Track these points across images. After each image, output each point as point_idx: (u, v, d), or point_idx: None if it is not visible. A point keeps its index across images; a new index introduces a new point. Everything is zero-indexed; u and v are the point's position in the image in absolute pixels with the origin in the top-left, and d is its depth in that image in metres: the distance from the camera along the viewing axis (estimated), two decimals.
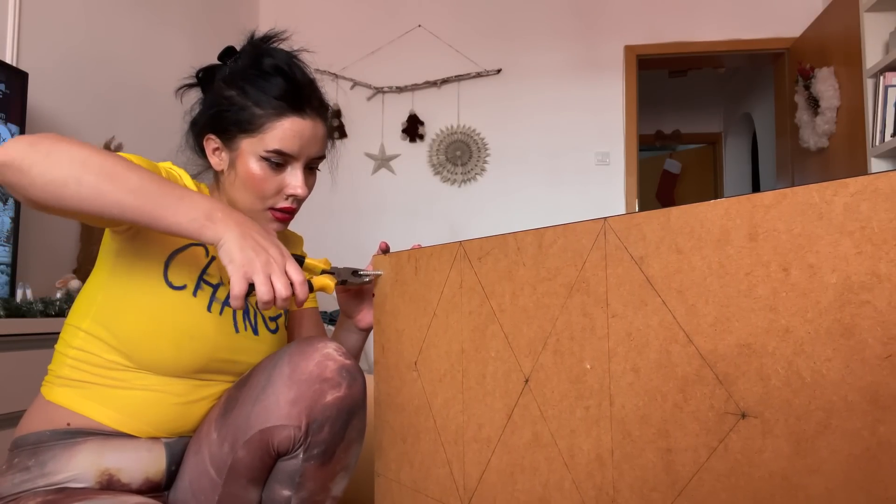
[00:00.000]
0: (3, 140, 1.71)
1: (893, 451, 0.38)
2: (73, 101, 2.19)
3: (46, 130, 2.05)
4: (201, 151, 0.88)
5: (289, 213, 0.85)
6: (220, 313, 0.83)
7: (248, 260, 0.66)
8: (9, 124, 1.72)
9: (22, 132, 1.76)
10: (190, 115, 0.89)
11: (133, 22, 2.53)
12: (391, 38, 3.37)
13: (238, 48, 0.88)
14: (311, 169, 0.87)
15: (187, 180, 0.85)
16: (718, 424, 0.47)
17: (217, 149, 0.85)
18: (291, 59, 0.84)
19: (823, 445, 0.41)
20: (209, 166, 0.89)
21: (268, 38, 0.87)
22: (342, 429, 0.77)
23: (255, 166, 0.81)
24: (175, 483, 0.81)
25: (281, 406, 0.74)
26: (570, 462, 0.58)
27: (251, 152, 0.81)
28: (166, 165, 0.84)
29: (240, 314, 0.86)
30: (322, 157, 0.87)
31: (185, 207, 0.67)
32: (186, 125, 0.90)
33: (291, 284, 0.69)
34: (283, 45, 0.87)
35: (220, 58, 0.88)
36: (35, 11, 2.04)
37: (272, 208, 0.84)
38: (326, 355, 0.77)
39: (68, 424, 0.77)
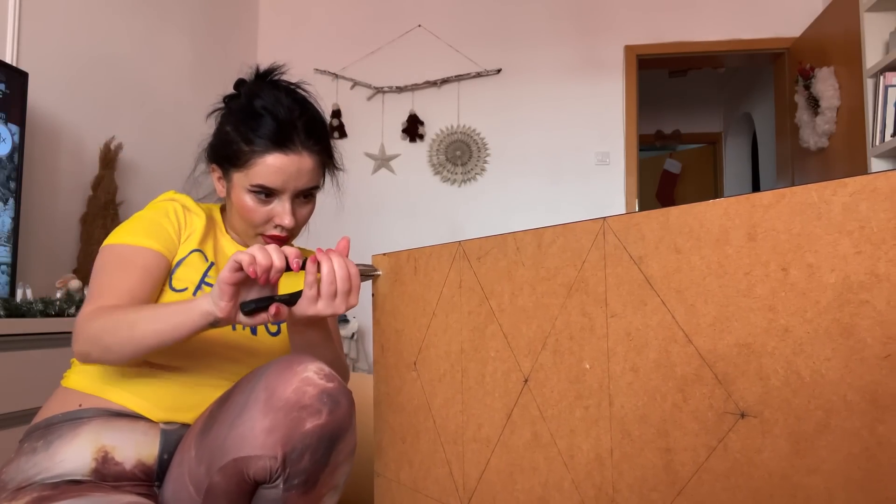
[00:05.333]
0: (3, 139, 1.71)
1: (892, 450, 0.38)
2: (73, 101, 2.19)
3: (46, 130, 2.06)
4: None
5: (280, 241, 0.89)
6: None
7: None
8: (9, 124, 1.72)
9: (22, 132, 1.77)
10: (206, 141, 0.95)
11: (133, 22, 2.53)
12: (391, 38, 3.37)
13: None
14: (305, 197, 0.90)
15: (189, 202, 0.92)
16: (718, 424, 0.47)
17: (219, 178, 0.92)
18: (279, 97, 0.87)
19: (823, 445, 0.41)
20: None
21: (267, 73, 0.92)
22: (325, 455, 0.73)
23: (244, 198, 0.87)
24: (163, 484, 0.82)
25: (256, 435, 0.71)
26: (570, 462, 0.58)
27: (240, 185, 0.87)
28: (168, 196, 0.92)
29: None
30: (314, 187, 0.90)
31: (184, 309, 0.73)
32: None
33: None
34: (287, 76, 0.93)
35: (234, 87, 0.94)
36: (35, 11, 2.04)
37: (262, 234, 0.89)
38: (305, 380, 0.72)
39: (80, 405, 0.82)
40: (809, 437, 0.42)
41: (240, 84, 0.93)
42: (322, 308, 0.74)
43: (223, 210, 0.98)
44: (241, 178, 0.86)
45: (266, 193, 0.86)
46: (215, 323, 0.72)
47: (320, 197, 0.94)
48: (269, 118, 0.85)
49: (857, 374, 0.40)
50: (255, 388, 0.74)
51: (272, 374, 0.74)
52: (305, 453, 0.71)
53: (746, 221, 0.45)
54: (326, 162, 0.92)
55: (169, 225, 0.87)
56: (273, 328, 0.92)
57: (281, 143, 0.85)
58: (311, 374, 0.73)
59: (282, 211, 0.87)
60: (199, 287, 0.86)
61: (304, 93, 0.91)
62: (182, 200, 0.92)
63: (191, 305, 0.72)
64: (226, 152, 0.88)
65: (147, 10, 2.61)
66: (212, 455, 0.75)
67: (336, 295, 0.75)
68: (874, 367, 0.39)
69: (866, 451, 0.39)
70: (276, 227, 0.88)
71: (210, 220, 0.93)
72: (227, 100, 0.94)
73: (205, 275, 0.87)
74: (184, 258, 0.87)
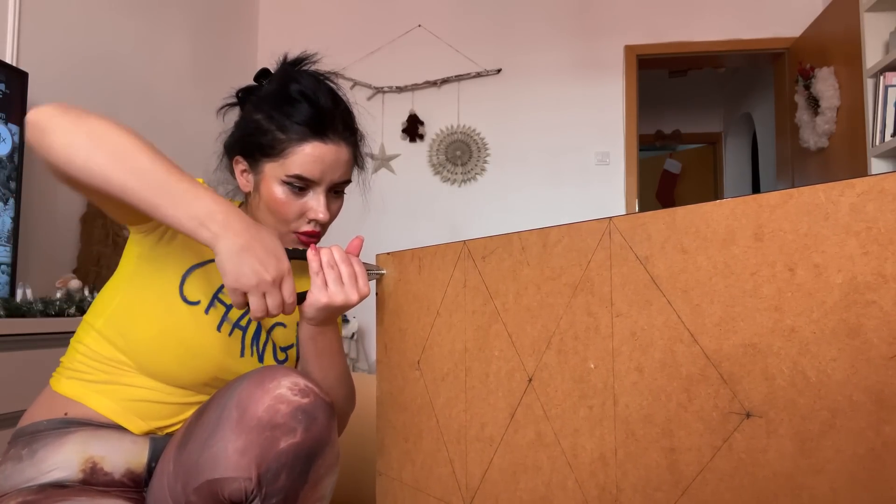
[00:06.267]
0: (3, 139, 1.71)
1: None
2: (73, 101, 2.18)
3: None
4: (232, 172, 0.89)
5: (312, 237, 0.84)
6: (230, 334, 0.83)
7: (241, 275, 0.67)
8: (9, 124, 1.72)
9: (22, 132, 1.76)
10: (225, 134, 0.90)
11: (133, 22, 2.53)
12: (391, 38, 3.37)
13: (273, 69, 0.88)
14: (336, 193, 0.86)
15: None
16: (723, 424, 0.47)
17: (244, 171, 0.86)
18: (318, 83, 0.83)
19: (828, 445, 0.41)
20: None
21: (298, 62, 0.87)
22: (303, 473, 0.70)
23: (277, 190, 0.81)
24: (147, 492, 0.81)
25: (229, 456, 0.68)
26: (574, 461, 0.58)
27: (273, 176, 0.81)
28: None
29: (249, 338, 0.85)
30: (347, 182, 0.86)
31: (187, 202, 0.66)
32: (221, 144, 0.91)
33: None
34: (316, 67, 0.87)
35: (255, 79, 0.89)
36: (35, 11, 2.04)
37: (295, 231, 0.84)
38: (278, 397, 0.69)
39: (66, 414, 0.79)
40: (815, 438, 0.42)
41: (263, 74, 0.88)
42: (334, 293, 0.75)
43: (245, 207, 0.91)
44: (274, 169, 0.81)
45: (301, 186, 0.81)
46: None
47: None
48: (306, 104, 0.80)
49: (863, 374, 0.40)
50: (226, 406, 0.71)
51: (244, 391, 0.71)
52: (281, 473, 0.68)
53: (753, 222, 0.45)
54: (357, 156, 0.88)
55: None
56: (281, 356, 0.89)
57: (321, 131, 0.80)
58: (283, 391, 0.70)
59: (317, 205, 0.82)
60: (211, 304, 0.82)
61: (333, 84, 0.87)
62: None
63: (198, 217, 0.66)
64: (257, 141, 0.82)
65: (147, 10, 2.61)
66: (187, 474, 0.72)
67: (342, 280, 0.76)
68: (880, 367, 0.39)
69: (872, 452, 0.39)
70: (309, 222, 0.83)
71: None
72: (245, 92, 0.89)
73: (219, 290, 0.83)
74: (200, 265, 0.82)
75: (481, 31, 3.32)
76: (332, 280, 0.75)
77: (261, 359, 0.86)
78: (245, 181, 0.86)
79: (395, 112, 3.35)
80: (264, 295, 0.68)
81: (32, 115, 0.68)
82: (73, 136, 0.67)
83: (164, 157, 0.69)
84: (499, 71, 3.28)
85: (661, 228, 0.51)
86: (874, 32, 2.37)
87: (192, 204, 0.67)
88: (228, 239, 0.67)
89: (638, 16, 3.20)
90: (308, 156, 0.80)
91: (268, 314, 0.69)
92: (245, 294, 0.68)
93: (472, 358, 0.72)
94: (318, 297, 0.75)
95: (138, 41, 2.56)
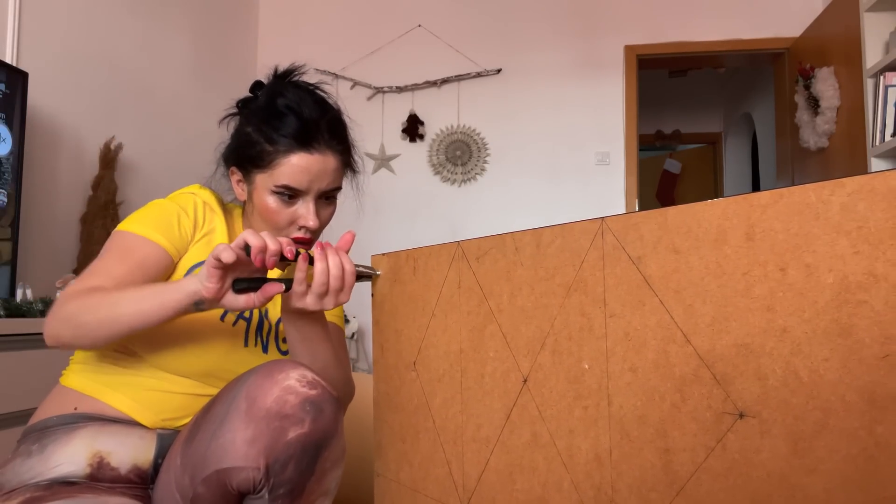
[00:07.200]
0: (4, 139, 1.71)
1: (891, 450, 0.38)
2: (73, 101, 2.19)
3: (46, 130, 2.06)
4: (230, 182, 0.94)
5: (303, 243, 0.87)
6: (234, 324, 0.86)
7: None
8: (9, 124, 1.73)
9: (22, 132, 1.77)
10: (223, 145, 0.93)
11: (133, 22, 2.53)
12: (391, 38, 3.37)
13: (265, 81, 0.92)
14: (327, 199, 0.89)
15: (211, 200, 0.90)
16: (716, 424, 0.47)
17: (239, 181, 0.91)
18: (304, 95, 0.86)
19: (821, 445, 0.41)
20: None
21: (286, 74, 0.91)
22: (311, 464, 0.71)
23: (268, 200, 0.85)
24: (154, 488, 0.81)
25: (237, 446, 0.69)
26: (569, 462, 0.58)
27: (264, 187, 0.85)
28: (190, 189, 0.90)
29: (253, 329, 0.87)
30: (337, 189, 0.89)
31: (168, 291, 0.72)
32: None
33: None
34: (314, 67, 0.91)
35: (250, 90, 0.92)
36: (35, 11, 2.04)
37: (287, 238, 0.85)
38: (287, 388, 0.70)
39: (75, 408, 0.81)
40: (808, 438, 0.42)
41: (257, 86, 0.92)
42: (310, 303, 0.75)
43: (243, 214, 0.96)
44: (264, 180, 0.85)
45: (290, 195, 0.84)
46: (200, 303, 0.71)
47: None
48: (292, 117, 0.83)
49: (855, 374, 0.40)
50: (235, 398, 0.72)
51: (253, 383, 0.72)
52: (289, 463, 0.69)
53: (745, 221, 0.45)
54: (348, 163, 0.91)
55: (186, 221, 0.86)
56: (285, 347, 0.90)
57: (306, 142, 0.83)
58: (292, 382, 0.71)
59: (306, 212, 0.85)
60: None
61: (323, 93, 0.90)
62: (204, 196, 0.91)
63: (177, 285, 0.71)
64: (248, 153, 0.86)
65: (147, 10, 2.61)
66: (195, 465, 0.73)
67: (326, 294, 0.75)
68: (872, 367, 0.39)
69: (864, 452, 0.39)
70: (299, 228, 0.86)
71: (231, 225, 0.92)
72: (242, 103, 0.92)
73: None
74: (202, 263, 0.84)
75: (481, 31, 3.32)
76: (315, 293, 0.75)
77: (265, 349, 0.89)
78: (240, 190, 0.91)
79: (395, 112, 3.35)
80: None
81: (49, 339, 0.76)
82: (70, 329, 0.74)
83: (125, 289, 0.75)
84: (499, 71, 3.28)
85: (654, 229, 0.51)
86: (874, 32, 2.37)
87: (175, 286, 0.72)
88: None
89: (638, 16, 3.20)
90: (295, 166, 0.83)
91: (266, 252, 0.70)
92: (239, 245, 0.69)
93: (468, 359, 0.72)
94: (294, 302, 0.76)
95: (138, 41, 2.57)
